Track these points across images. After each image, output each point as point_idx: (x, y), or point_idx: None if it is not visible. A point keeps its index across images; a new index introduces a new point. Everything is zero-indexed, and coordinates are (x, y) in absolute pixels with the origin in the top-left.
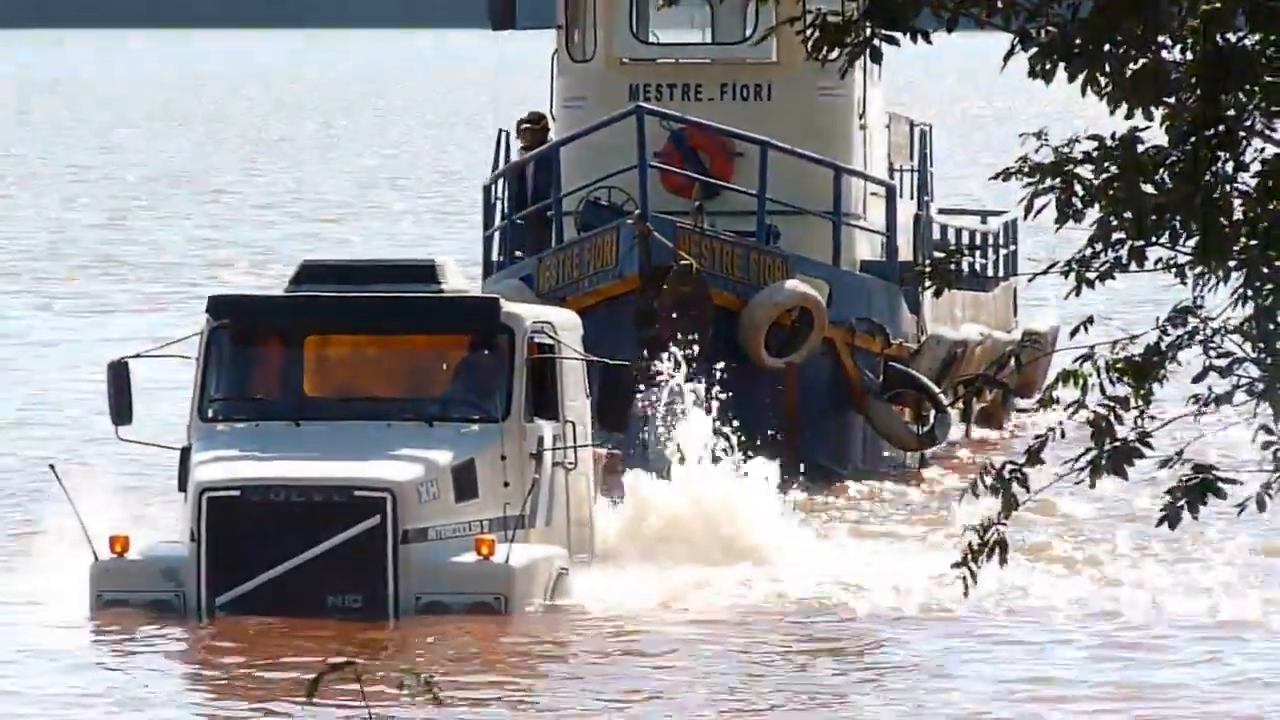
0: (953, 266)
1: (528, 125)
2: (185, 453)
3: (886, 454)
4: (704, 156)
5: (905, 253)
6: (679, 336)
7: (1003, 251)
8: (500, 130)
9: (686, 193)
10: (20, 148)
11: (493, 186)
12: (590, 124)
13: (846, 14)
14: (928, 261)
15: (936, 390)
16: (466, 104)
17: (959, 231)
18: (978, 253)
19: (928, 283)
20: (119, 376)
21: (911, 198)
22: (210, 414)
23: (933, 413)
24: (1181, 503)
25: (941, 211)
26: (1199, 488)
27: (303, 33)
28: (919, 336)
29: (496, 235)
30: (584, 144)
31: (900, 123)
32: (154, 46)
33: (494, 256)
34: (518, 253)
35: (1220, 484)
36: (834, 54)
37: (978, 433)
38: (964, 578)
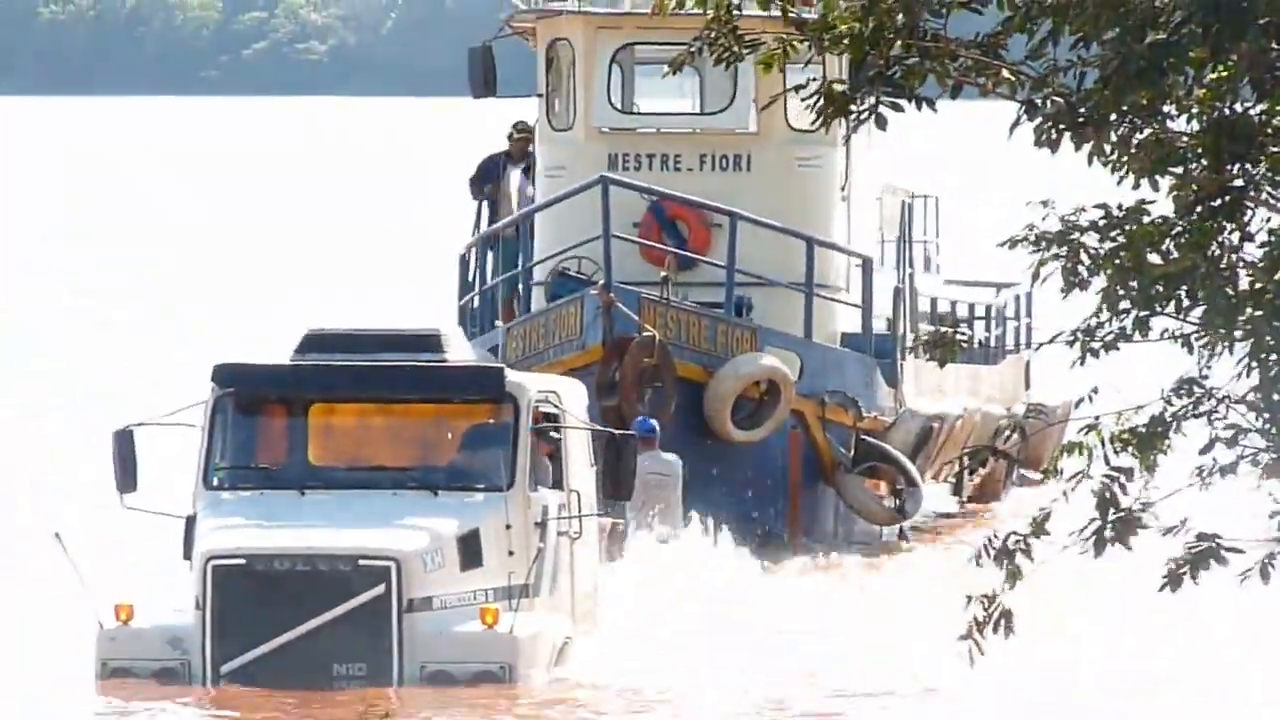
0: (951, 339)
1: (519, 135)
2: (190, 521)
3: (859, 528)
4: (683, 227)
5: (881, 326)
6: (640, 408)
7: (1011, 324)
8: (480, 199)
9: (665, 263)
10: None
11: (469, 255)
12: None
13: (851, 83)
14: (922, 335)
15: (908, 464)
16: (444, 170)
17: (953, 304)
18: (979, 325)
19: (923, 354)
20: (124, 444)
21: (898, 269)
22: (215, 482)
23: (904, 486)
24: (1184, 569)
25: (949, 283)
26: (1203, 555)
27: (305, 99)
28: (897, 410)
29: (474, 302)
30: (558, 214)
31: (896, 194)
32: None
33: (471, 325)
34: (497, 322)
35: (1224, 552)
36: (838, 121)
37: (974, 506)
38: (969, 650)
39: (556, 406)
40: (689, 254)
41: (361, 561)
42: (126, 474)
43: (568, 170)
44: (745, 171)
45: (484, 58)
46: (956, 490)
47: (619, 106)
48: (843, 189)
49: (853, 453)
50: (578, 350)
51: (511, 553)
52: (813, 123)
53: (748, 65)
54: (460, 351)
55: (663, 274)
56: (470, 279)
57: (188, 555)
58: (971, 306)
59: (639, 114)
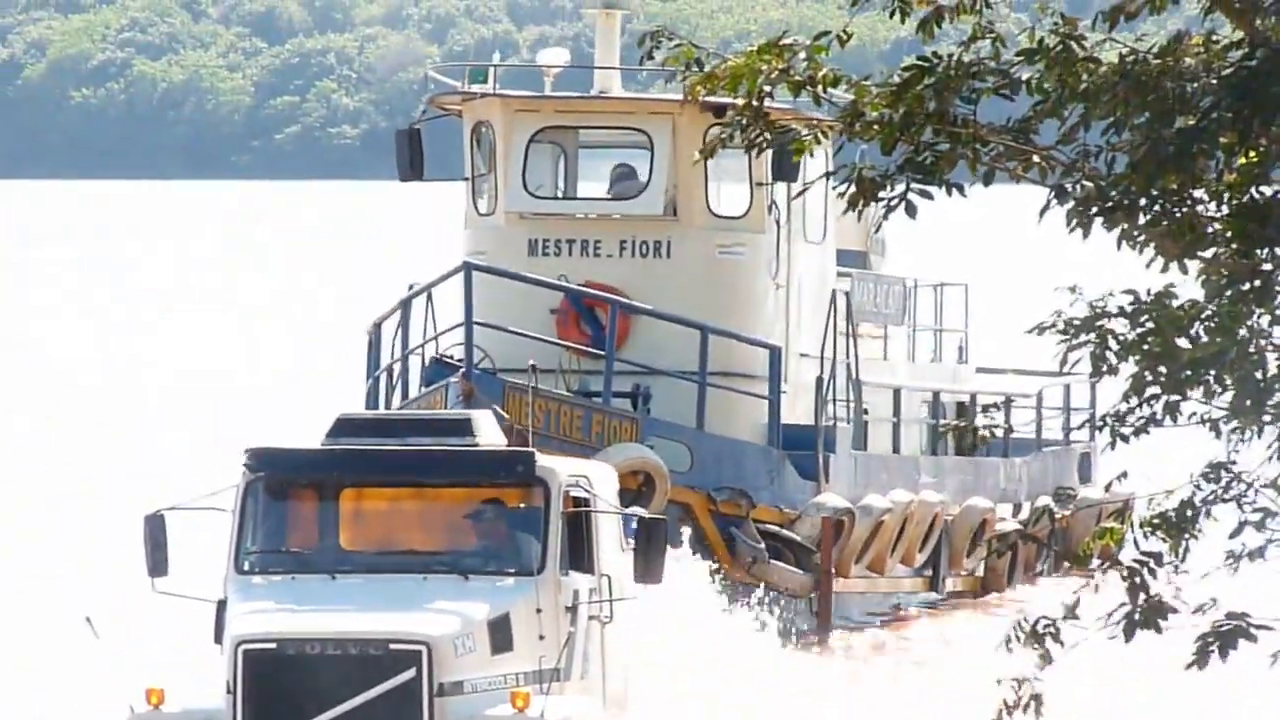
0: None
1: None
2: (221, 605)
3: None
4: (601, 315)
5: (805, 416)
6: None
7: (1046, 413)
8: (410, 285)
9: (578, 352)
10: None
11: (376, 334)
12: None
13: (774, 170)
14: (946, 424)
15: (804, 542)
16: (374, 254)
17: (937, 395)
18: (992, 414)
19: (923, 445)
20: (155, 529)
21: (885, 358)
22: (246, 566)
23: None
24: (1213, 645)
25: (980, 371)
26: (1232, 634)
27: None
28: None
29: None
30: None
31: (890, 284)
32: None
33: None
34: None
35: (1253, 631)
36: (768, 209)
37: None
38: None
39: (587, 491)
40: (558, 342)
41: (392, 645)
42: (158, 558)
43: (488, 255)
44: (665, 258)
45: (410, 141)
46: (933, 584)
47: (560, 192)
48: (774, 276)
49: (759, 543)
50: None
51: (542, 637)
52: (756, 212)
53: (664, 149)
54: (491, 436)
55: (531, 363)
56: (373, 360)
57: (218, 639)
58: (973, 396)
59: (557, 199)
